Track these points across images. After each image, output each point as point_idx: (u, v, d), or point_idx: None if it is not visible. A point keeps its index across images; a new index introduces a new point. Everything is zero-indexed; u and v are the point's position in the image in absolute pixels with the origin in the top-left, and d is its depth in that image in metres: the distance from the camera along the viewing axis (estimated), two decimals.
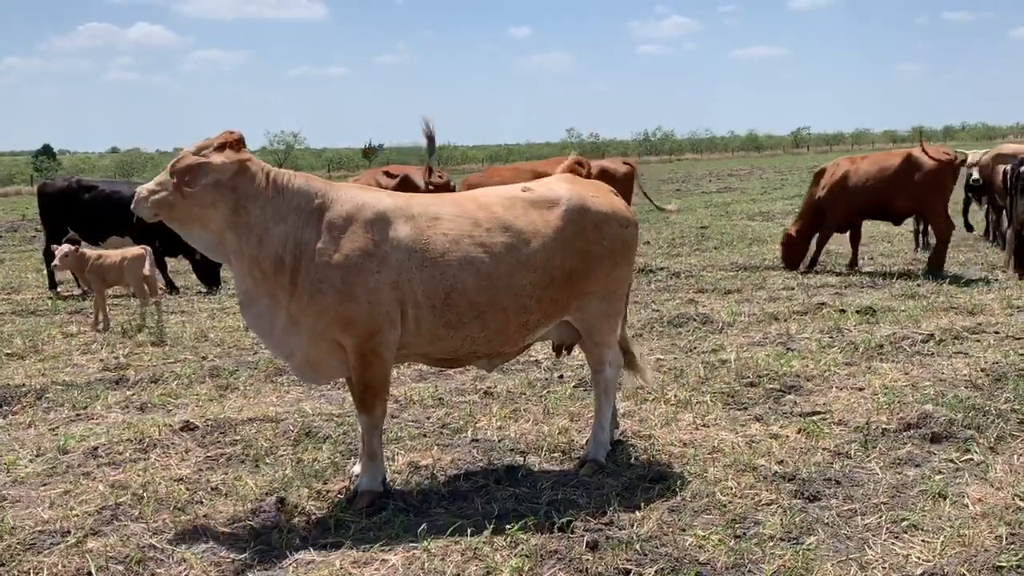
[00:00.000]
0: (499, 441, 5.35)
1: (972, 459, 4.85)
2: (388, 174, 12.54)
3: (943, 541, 3.93)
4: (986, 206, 13.88)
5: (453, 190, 10.68)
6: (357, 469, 4.68)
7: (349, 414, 5.83)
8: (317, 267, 4.23)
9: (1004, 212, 13.21)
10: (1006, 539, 3.93)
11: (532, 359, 7.23)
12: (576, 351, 5.19)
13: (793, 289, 10.18)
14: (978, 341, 7.34)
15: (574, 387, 6.41)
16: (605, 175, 10.73)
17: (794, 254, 11.64)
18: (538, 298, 4.56)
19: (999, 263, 11.44)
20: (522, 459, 5.06)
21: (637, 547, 3.94)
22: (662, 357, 7.22)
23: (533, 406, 6.01)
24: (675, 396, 6.09)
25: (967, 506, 4.27)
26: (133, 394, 6.58)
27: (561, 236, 4.61)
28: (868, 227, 14.65)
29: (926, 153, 10.81)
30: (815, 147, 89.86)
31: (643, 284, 10.85)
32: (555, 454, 5.12)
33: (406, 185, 11.09)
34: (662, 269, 12.05)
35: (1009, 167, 10.72)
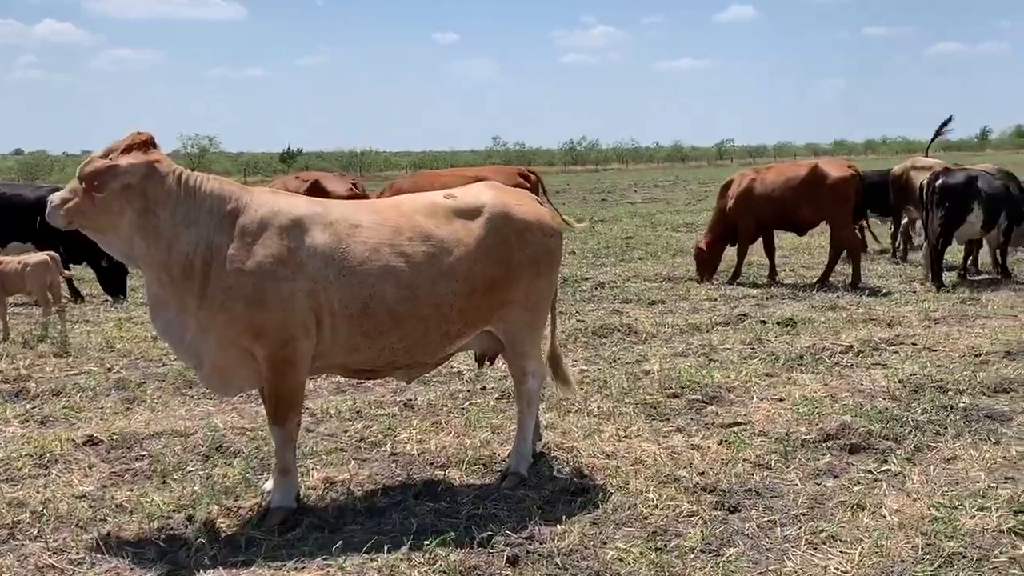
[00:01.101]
0: (419, 455, 5.31)
1: (890, 470, 4.97)
2: (299, 178, 12.37)
3: (861, 552, 4.02)
4: (890, 221, 14.45)
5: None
6: (269, 485, 4.59)
7: (262, 428, 5.72)
8: (228, 273, 4.15)
9: (912, 226, 13.72)
10: (922, 549, 4.03)
11: (454, 370, 7.20)
12: (499, 362, 5.20)
13: (716, 300, 10.36)
14: (896, 353, 7.56)
15: (496, 399, 6.41)
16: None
17: (706, 266, 11.87)
18: (459, 307, 4.55)
19: (917, 276, 11.84)
20: (442, 473, 5.03)
21: (558, 561, 3.94)
22: (586, 368, 7.26)
23: (454, 419, 5.99)
24: (598, 407, 6.13)
25: (885, 516, 4.37)
26: (34, 407, 6.35)
27: (484, 244, 4.61)
28: (789, 239, 15.01)
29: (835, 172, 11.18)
30: (739, 159, 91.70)
31: (568, 294, 10.92)
32: (476, 467, 5.10)
33: (316, 191, 10.97)
34: (587, 279, 12.13)
35: (925, 179, 11.11)
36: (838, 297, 10.33)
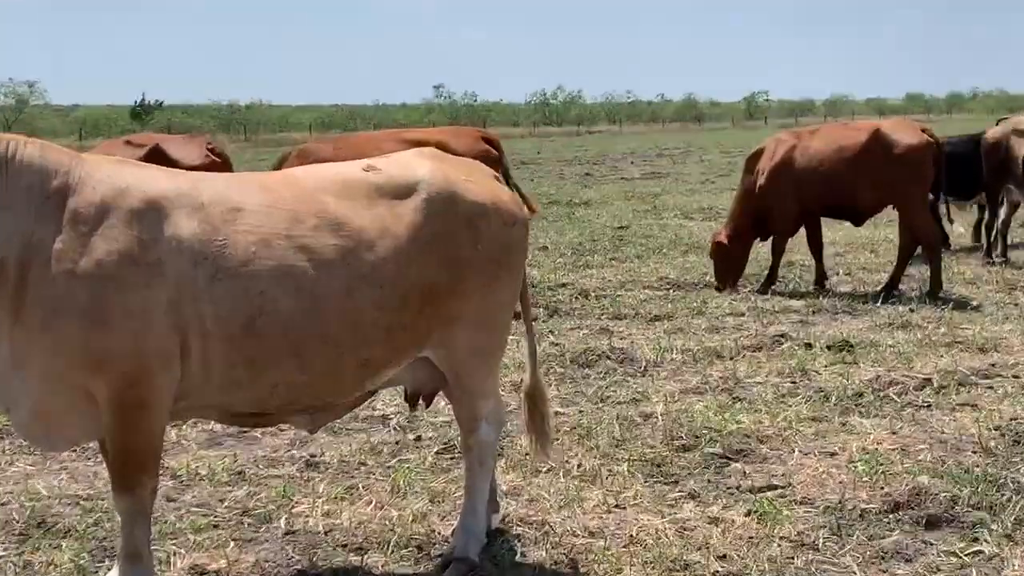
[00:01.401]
0: (326, 533, 5.29)
1: (983, 551, 5.03)
2: (131, 143, 12.18)
3: None
4: (977, 206, 14.71)
5: (230, 170, 10.50)
6: (115, 575, 4.55)
7: (103, 495, 5.67)
8: (55, 279, 4.10)
9: (1014, 213, 13.99)
10: None
11: (376, 413, 7.18)
12: (440, 402, 5.18)
13: (743, 315, 10.45)
14: (991, 389, 7.67)
15: (436, 454, 6.39)
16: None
17: (729, 268, 12.00)
18: (385, 326, 4.54)
19: (1021, 282, 12.01)
20: (359, 559, 5.01)
21: None
22: (563, 411, 7.27)
23: (377, 482, 5.96)
24: (580, 465, 6.13)
25: None
26: None
27: (420, 237, 4.61)
28: (845, 232, 15.18)
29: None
30: (776, 119, 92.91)
31: (537, 306, 10.95)
32: (408, 551, 5.08)
33: (156, 160, 10.85)
34: (564, 286, 12.16)
35: None
36: (911, 311, 10.46)
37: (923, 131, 11.64)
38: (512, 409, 6.15)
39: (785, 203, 11.80)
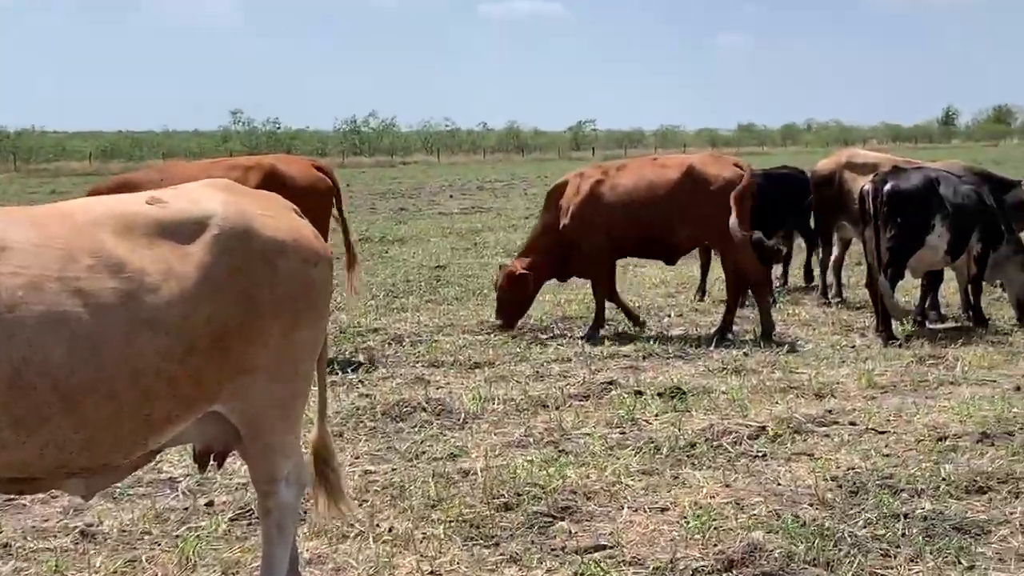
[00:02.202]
0: None
1: None
2: None
3: None
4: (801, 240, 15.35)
5: None
6: None
7: None
8: None
9: (847, 250, 14.54)
10: None
11: (162, 476, 7.08)
12: (234, 461, 5.11)
13: (570, 362, 10.61)
14: (828, 436, 7.93)
15: (230, 520, 6.32)
16: (276, 183, 10.37)
17: (516, 304, 12.19)
18: (171, 377, 4.46)
19: (857, 323, 12.47)
20: None
21: None
22: (373, 468, 7.26)
23: (162, 553, 5.87)
24: (391, 528, 6.13)
25: None
26: None
27: (210, 277, 4.54)
28: (677, 272, 15.51)
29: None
30: (603, 149, 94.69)
31: (345, 353, 10.93)
32: None
33: None
34: (376, 331, 12.17)
35: (870, 185, 11.74)
36: (745, 355, 10.78)
37: (736, 164, 12.07)
38: None
39: (595, 243, 12.02)
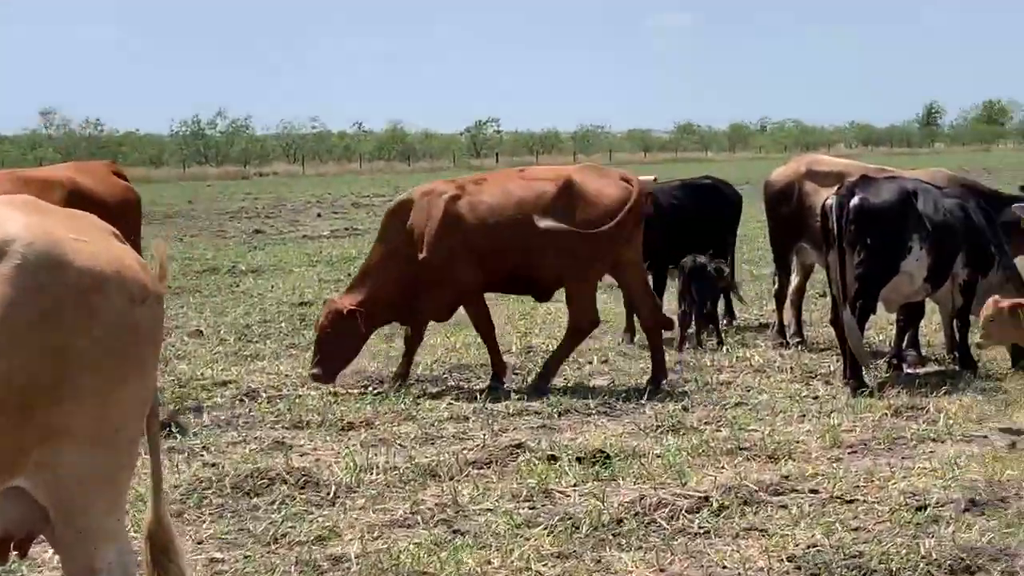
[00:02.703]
0: None
1: None
2: None
3: None
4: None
5: None
6: None
7: None
8: None
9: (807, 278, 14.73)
10: None
11: None
12: (42, 549, 5.05)
13: (467, 420, 10.63)
14: (784, 508, 7.99)
15: None
16: (76, 198, 10.24)
17: (342, 348, 12.08)
18: None
19: (820, 368, 12.62)
20: None
21: None
22: (221, 556, 7.22)
23: None
24: None
25: None
26: None
27: (10, 319, 4.51)
28: (601, 306, 15.60)
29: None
30: (508, 155, 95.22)
31: (185, 412, 10.88)
32: None
33: None
34: (225, 384, 12.12)
35: (833, 198, 11.85)
36: (684, 410, 10.87)
37: (623, 179, 12.21)
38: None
39: (467, 275, 12.01)
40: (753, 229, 22.62)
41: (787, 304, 14.48)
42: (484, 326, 12.31)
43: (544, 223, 11.65)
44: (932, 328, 13.83)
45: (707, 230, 15.00)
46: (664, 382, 11.88)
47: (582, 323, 12.14)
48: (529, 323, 15.90)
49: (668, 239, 14.26)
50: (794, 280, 14.51)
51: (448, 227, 11.96)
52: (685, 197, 15.10)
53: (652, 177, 14.61)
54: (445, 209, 11.99)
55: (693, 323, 14.08)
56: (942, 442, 9.63)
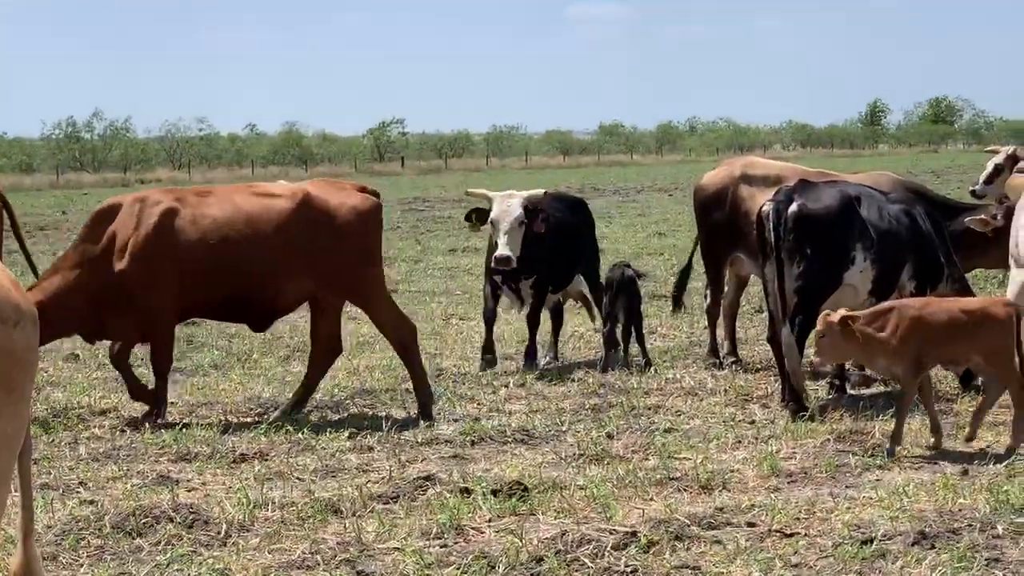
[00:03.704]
0: None
1: None
2: None
3: None
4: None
5: None
6: None
7: None
8: None
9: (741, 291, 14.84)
10: None
11: None
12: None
13: (371, 451, 10.63)
14: (719, 543, 8.01)
15: None
16: None
17: None
18: None
19: (757, 391, 12.69)
20: None
21: None
22: None
23: None
24: None
25: None
26: None
27: None
28: (518, 324, 15.59)
29: None
30: (415, 158, 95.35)
31: (60, 444, 10.84)
32: None
33: None
34: (104, 413, 12.05)
35: (770, 205, 11.92)
36: (609, 437, 10.90)
37: (363, 190, 12.34)
38: None
39: (162, 297, 11.84)
40: (683, 239, 22.73)
41: (720, 320, 14.54)
42: (162, 362, 12.15)
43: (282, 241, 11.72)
44: None
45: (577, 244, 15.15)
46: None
47: (404, 334, 12.19)
48: (439, 343, 15.87)
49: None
50: (728, 294, 14.62)
51: (158, 241, 11.77)
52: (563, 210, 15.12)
53: (541, 191, 14.62)
54: (159, 221, 11.81)
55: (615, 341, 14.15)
56: (889, 470, 9.71)
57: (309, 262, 11.83)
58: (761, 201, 12.40)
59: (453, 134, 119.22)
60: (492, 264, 14.12)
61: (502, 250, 13.81)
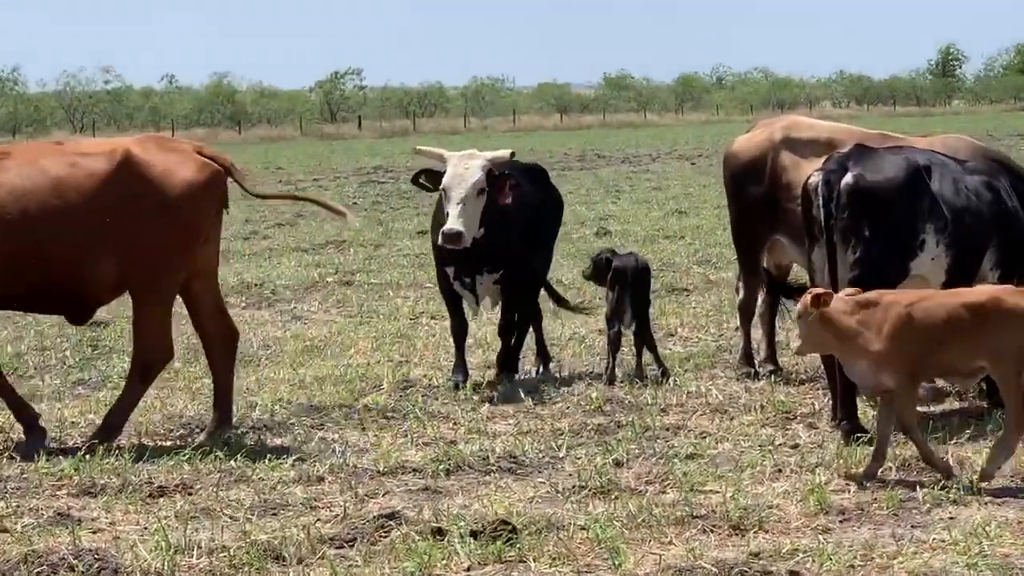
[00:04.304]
0: None
1: None
2: None
3: None
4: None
5: None
6: None
7: None
8: None
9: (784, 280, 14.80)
10: None
11: None
12: None
13: (321, 482, 10.62)
14: None
15: None
16: None
17: None
18: None
19: (804, 406, 12.69)
20: None
21: None
22: None
23: None
24: None
25: None
26: None
27: None
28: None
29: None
30: (375, 118, 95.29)
31: None
32: None
33: None
34: None
35: (819, 176, 11.90)
36: (617, 464, 10.91)
37: (201, 153, 12.25)
38: None
39: None
40: (709, 218, 22.73)
41: (756, 320, 14.49)
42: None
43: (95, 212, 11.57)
44: None
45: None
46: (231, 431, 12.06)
47: (151, 355, 12.07)
48: (406, 348, 15.88)
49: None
50: (764, 288, 14.52)
51: None
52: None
53: (508, 152, 14.32)
54: None
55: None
56: (965, 505, 9.68)
57: (115, 241, 11.71)
58: (808, 171, 12.36)
59: (423, 88, 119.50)
60: (439, 241, 13.71)
61: (452, 223, 13.49)
